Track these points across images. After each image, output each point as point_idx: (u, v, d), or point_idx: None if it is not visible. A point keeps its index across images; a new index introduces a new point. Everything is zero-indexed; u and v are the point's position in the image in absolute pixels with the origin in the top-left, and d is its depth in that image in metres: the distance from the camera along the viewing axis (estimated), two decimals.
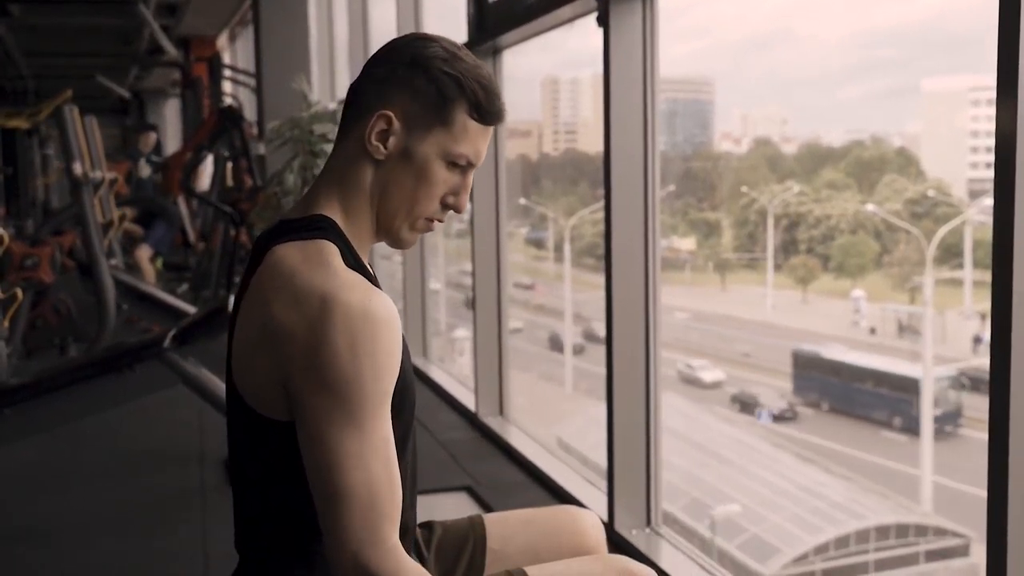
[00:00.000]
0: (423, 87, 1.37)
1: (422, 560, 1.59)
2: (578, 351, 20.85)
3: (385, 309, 1.31)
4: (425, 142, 1.38)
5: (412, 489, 1.50)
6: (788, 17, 30.53)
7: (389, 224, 1.43)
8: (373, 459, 1.29)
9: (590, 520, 1.71)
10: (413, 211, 1.42)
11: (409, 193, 1.40)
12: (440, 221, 1.46)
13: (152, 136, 10.92)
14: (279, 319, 1.30)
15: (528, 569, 1.50)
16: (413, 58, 1.38)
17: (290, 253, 1.34)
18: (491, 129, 1.43)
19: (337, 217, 1.41)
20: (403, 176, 1.40)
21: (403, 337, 1.38)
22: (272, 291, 1.32)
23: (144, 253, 8.41)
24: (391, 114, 1.37)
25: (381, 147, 1.38)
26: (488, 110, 1.40)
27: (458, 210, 1.45)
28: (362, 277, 1.34)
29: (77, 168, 6.15)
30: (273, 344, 1.31)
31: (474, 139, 1.40)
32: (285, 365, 1.30)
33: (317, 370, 1.28)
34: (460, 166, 1.41)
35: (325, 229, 1.38)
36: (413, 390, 1.45)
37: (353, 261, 1.37)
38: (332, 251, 1.34)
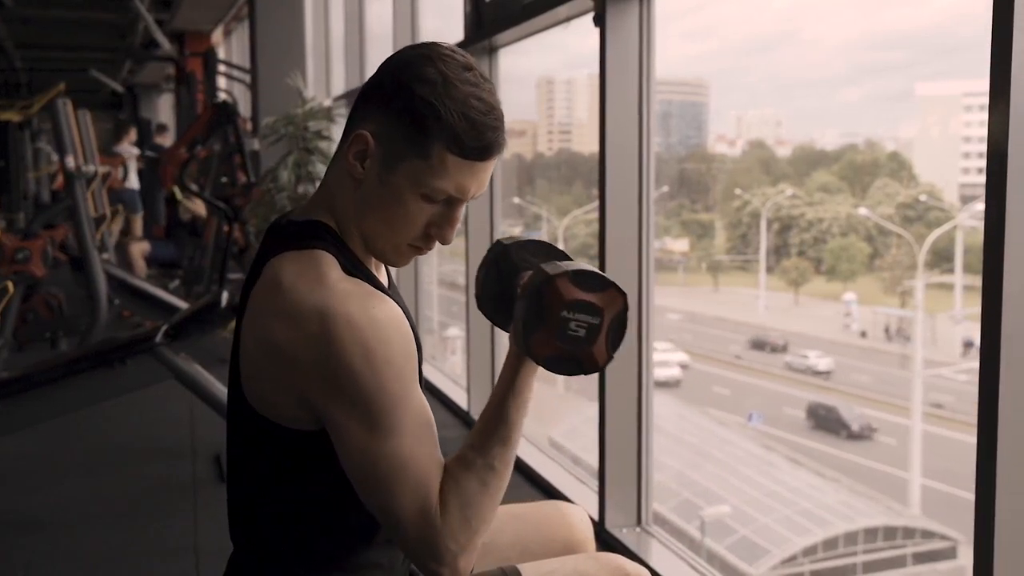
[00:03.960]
0: (401, 113, 1.29)
1: None
2: None
3: (387, 312, 1.29)
4: (398, 171, 1.30)
5: None
6: (794, 19, 30.59)
7: (373, 244, 1.38)
8: (414, 450, 1.29)
9: (578, 515, 1.72)
10: (393, 237, 1.36)
11: (385, 219, 1.34)
12: (426, 248, 1.38)
13: (168, 134, 11.03)
14: (282, 340, 1.27)
15: (521, 567, 1.51)
16: (400, 79, 1.30)
17: (286, 267, 1.31)
18: (480, 164, 1.31)
19: (333, 223, 1.38)
20: (379, 201, 1.33)
21: (417, 337, 1.37)
22: (270, 309, 1.30)
23: (139, 249, 8.40)
24: (367, 135, 1.31)
25: (359, 166, 1.32)
26: (470, 146, 1.29)
27: (442, 242, 1.36)
28: (359, 283, 1.31)
29: (70, 162, 6.14)
30: (283, 364, 1.29)
31: (455, 175, 1.30)
32: (304, 386, 1.28)
33: (340, 389, 1.26)
34: (436, 200, 1.32)
35: (322, 238, 1.35)
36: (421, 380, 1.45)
37: (353, 268, 1.34)
38: (328, 262, 1.31)
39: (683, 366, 21.22)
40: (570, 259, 1.44)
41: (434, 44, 1.34)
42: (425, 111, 1.27)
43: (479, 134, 1.29)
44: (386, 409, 1.27)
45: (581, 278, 1.28)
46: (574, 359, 1.30)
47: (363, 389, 1.26)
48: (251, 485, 1.43)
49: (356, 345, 1.25)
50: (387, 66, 1.35)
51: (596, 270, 1.31)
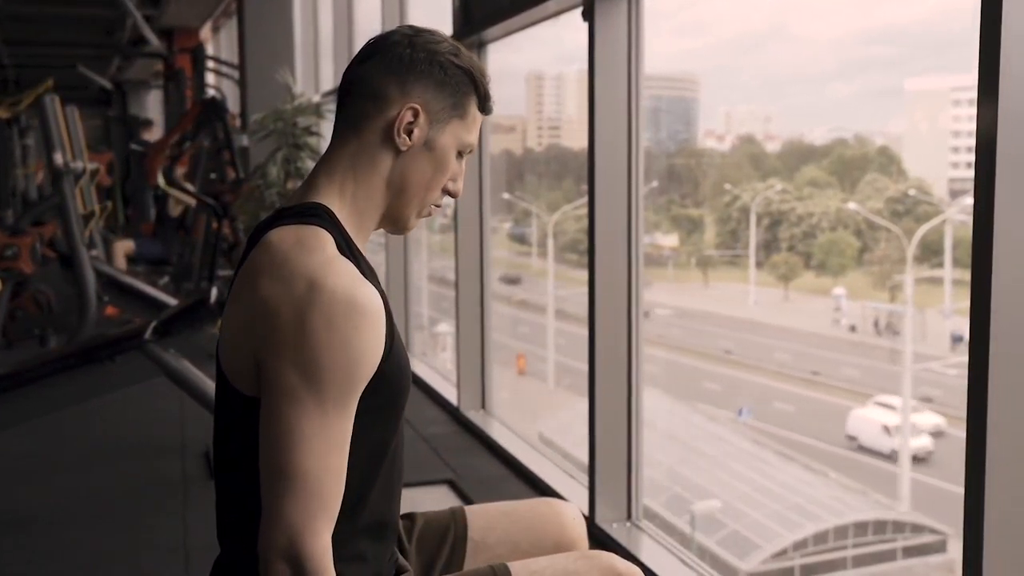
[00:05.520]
0: (444, 81, 1.43)
1: (403, 551, 1.60)
2: None
3: (370, 300, 1.32)
4: (445, 133, 1.45)
5: (398, 483, 1.50)
6: (784, 16, 30.68)
7: (401, 211, 1.47)
8: (328, 448, 1.30)
9: (570, 512, 1.71)
10: (426, 199, 1.47)
11: (427, 182, 1.46)
12: (440, 207, 1.52)
13: (154, 129, 11.01)
14: (265, 297, 1.31)
15: (511, 565, 1.50)
16: (431, 52, 1.44)
17: (284, 236, 1.35)
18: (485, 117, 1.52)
19: (335, 205, 1.42)
20: (424, 166, 1.45)
21: (394, 328, 1.39)
22: (263, 272, 1.33)
23: (123, 247, 8.38)
24: (418, 107, 1.42)
25: (407, 139, 1.43)
26: (489, 101, 1.49)
27: (456, 195, 1.51)
28: (353, 266, 1.35)
29: (58, 158, 6.12)
30: (257, 321, 1.31)
31: (476, 128, 1.50)
32: (263, 339, 1.31)
33: (290, 347, 1.28)
34: (464, 154, 1.49)
35: (321, 216, 1.39)
36: (407, 380, 1.45)
37: (347, 250, 1.38)
38: (326, 237, 1.35)
39: (937, 434, 16.30)
40: None
41: (412, 24, 1.49)
42: (463, 75, 1.45)
43: (489, 91, 1.50)
44: (322, 385, 1.29)
45: None
46: None
47: (311, 356, 1.28)
48: (235, 479, 1.42)
49: (325, 316, 1.28)
50: (403, 45, 1.44)
51: None
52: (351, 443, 1.36)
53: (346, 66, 1.48)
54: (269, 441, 1.29)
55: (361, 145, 1.44)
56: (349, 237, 1.41)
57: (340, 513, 1.38)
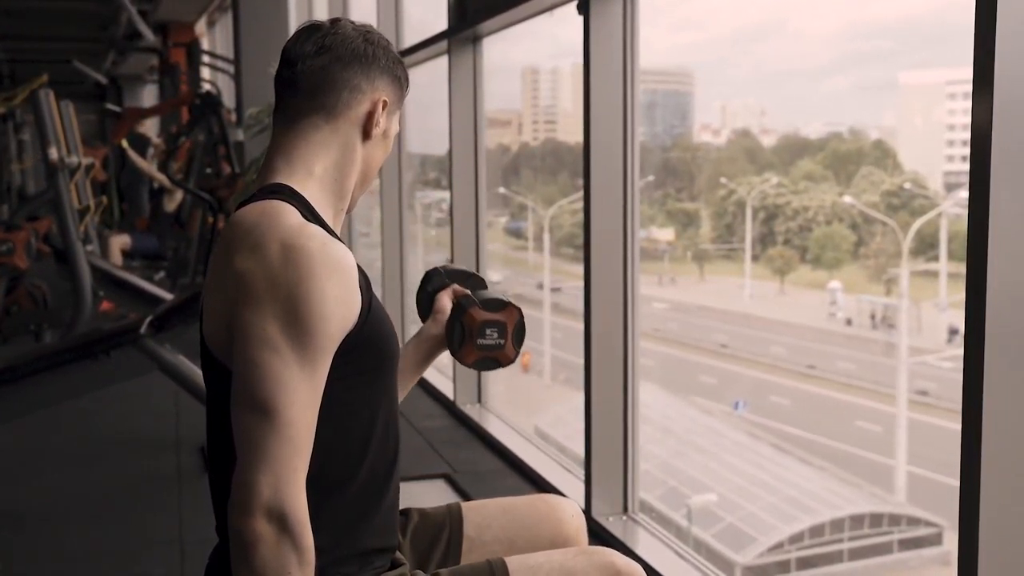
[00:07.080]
0: (397, 76, 1.53)
1: (398, 546, 1.59)
2: None
3: (341, 256, 1.34)
4: (393, 122, 1.54)
5: (395, 451, 1.49)
6: (781, 11, 30.68)
7: (358, 193, 1.55)
8: (308, 400, 1.30)
9: (569, 509, 1.70)
10: (373, 178, 1.57)
11: (378, 164, 1.56)
12: None
13: (146, 121, 11.01)
14: (239, 266, 1.32)
15: (509, 560, 1.50)
16: (385, 48, 1.51)
17: (248, 211, 1.37)
18: None
19: (297, 186, 1.43)
20: (380, 152, 1.53)
21: (372, 294, 1.41)
22: (233, 245, 1.34)
23: (119, 242, 8.36)
24: (387, 100, 1.50)
25: (375, 128, 1.49)
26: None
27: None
28: (319, 229, 1.37)
29: (53, 153, 6.11)
30: (234, 290, 1.32)
31: None
32: (239, 301, 1.31)
33: (267, 301, 1.29)
34: None
35: (282, 193, 1.41)
36: (394, 345, 1.46)
37: (314, 220, 1.39)
38: (290, 209, 1.37)
39: None
40: (483, 282, 1.86)
41: (346, 19, 1.55)
42: (403, 71, 1.55)
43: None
44: (298, 337, 1.29)
45: (487, 304, 1.75)
46: (492, 360, 1.75)
47: (287, 308, 1.29)
48: (230, 468, 1.41)
49: (297, 270, 1.30)
50: (359, 40, 1.49)
51: (498, 296, 1.77)
52: (345, 407, 1.37)
53: (291, 54, 1.50)
54: (248, 390, 1.28)
55: (336, 133, 1.47)
56: (315, 211, 1.42)
57: (342, 505, 1.38)
